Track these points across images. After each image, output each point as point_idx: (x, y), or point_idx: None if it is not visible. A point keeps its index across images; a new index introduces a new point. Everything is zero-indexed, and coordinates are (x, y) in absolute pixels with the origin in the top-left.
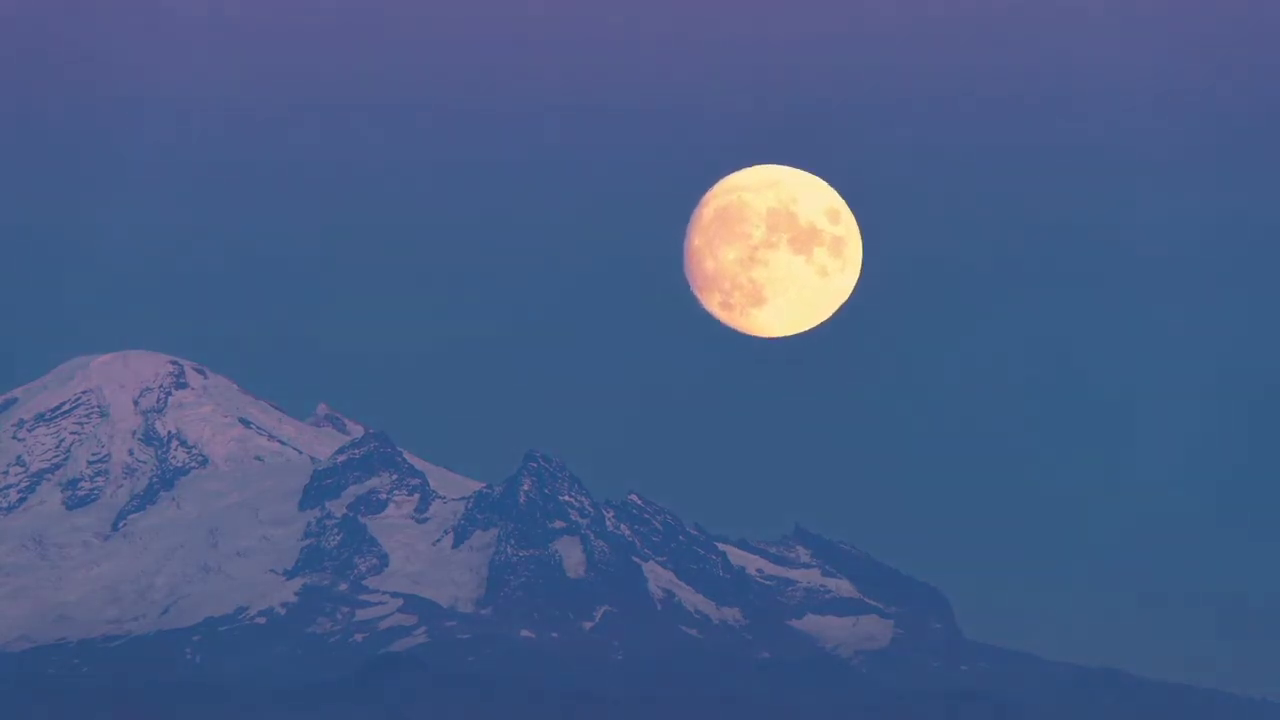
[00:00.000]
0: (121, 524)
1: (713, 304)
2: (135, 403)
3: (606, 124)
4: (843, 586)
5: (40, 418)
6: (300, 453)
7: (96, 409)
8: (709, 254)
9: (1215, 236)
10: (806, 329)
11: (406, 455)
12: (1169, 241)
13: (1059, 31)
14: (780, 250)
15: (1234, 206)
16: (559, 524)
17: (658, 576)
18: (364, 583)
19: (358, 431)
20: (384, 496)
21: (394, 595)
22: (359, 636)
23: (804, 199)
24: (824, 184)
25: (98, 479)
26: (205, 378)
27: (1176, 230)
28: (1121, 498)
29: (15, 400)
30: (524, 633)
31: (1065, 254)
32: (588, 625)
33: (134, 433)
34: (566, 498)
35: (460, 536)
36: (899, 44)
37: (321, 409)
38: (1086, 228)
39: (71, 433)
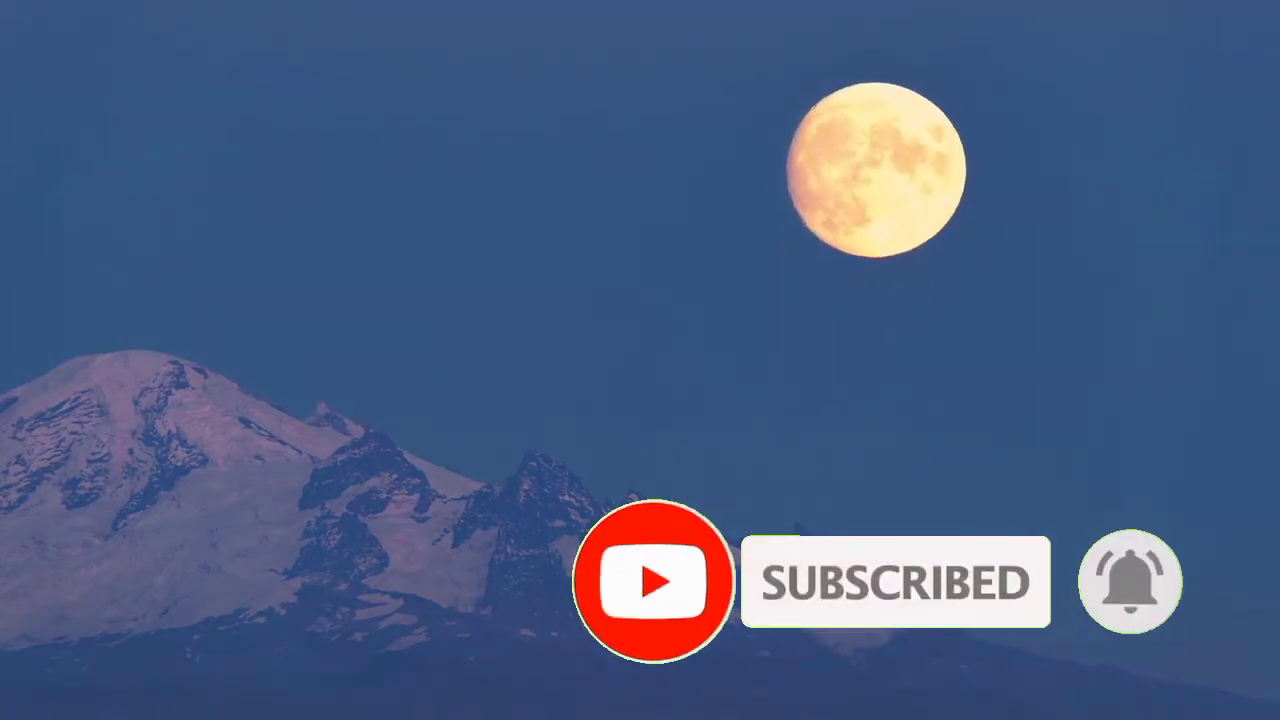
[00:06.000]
0: (121, 524)
1: (816, 223)
2: (135, 402)
3: (705, 45)
4: None
5: (40, 417)
6: (300, 452)
7: (96, 408)
8: (812, 171)
9: None
10: (910, 248)
11: (406, 455)
12: None
13: None
14: (883, 167)
15: None
16: (559, 523)
17: None
18: (364, 582)
19: (358, 431)
20: (384, 496)
21: (394, 595)
22: (359, 636)
23: (908, 115)
24: (927, 101)
25: (98, 478)
26: (205, 377)
27: None
28: (1132, 494)
29: (15, 400)
30: (524, 633)
31: (1173, 173)
32: None
33: (134, 432)
34: (566, 498)
35: (460, 536)
36: None
37: (321, 409)
38: (1201, 146)
39: (71, 432)
